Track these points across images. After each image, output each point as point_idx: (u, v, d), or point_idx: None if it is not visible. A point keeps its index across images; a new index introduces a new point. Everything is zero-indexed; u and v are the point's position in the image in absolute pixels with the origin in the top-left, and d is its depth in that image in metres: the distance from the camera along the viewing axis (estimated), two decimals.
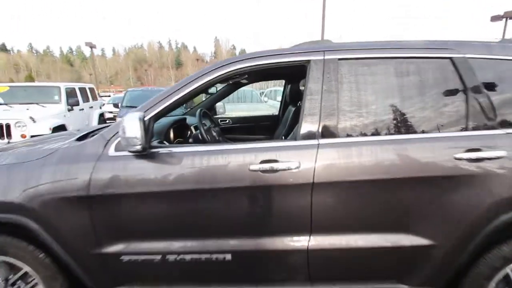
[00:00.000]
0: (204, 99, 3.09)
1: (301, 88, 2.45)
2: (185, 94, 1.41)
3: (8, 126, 4.82)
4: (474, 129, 1.32)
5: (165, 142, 1.63)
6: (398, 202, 1.31)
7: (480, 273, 1.33)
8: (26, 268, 1.39)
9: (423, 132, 1.34)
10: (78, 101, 6.67)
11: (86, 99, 7.43)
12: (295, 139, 1.39)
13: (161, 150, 1.37)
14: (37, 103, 5.82)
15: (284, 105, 3.12)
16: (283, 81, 3.23)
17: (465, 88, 1.34)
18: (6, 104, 5.68)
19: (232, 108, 5.49)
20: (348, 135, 1.36)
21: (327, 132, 1.36)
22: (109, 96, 21.18)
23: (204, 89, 1.47)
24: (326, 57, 1.41)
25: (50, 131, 5.12)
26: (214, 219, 1.37)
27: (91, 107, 7.63)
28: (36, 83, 6.51)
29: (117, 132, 1.37)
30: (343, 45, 1.45)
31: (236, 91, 7.47)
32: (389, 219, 1.33)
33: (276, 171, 1.31)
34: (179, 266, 1.39)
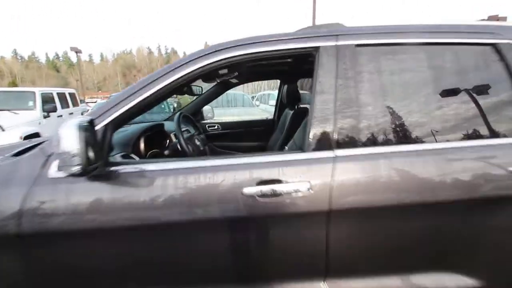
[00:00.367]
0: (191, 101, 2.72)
1: (307, 90, 2.11)
2: (155, 93, 1.05)
3: None
4: None
5: (133, 156, 1.27)
6: (443, 232, 0.98)
7: None
8: None
9: (471, 137, 1.03)
10: (55, 107, 6.19)
11: (65, 105, 6.94)
12: (301, 149, 1.05)
13: (122, 169, 1.01)
14: (8, 110, 5.32)
15: (279, 108, 2.79)
16: (275, 84, 2.90)
17: None
18: None
19: (221, 113, 5.14)
20: (374, 144, 1.02)
21: (345, 140, 1.02)
22: (95, 102, 20.50)
23: (181, 85, 1.12)
24: (340, 42, 1.08)
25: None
26: (195, 263, 1.01)
27: (71, 113, 7.13)
28: (8, 88, 6.00)
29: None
30: (360, 28, 1.13)
31: (225, 95, 7.18)
32: (431, 254, 1.00)
33: (279, 195, 0.96)
34: None
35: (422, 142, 1.03)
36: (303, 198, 0.96)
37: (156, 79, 1.06)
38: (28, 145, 1.35)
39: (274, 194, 0.96)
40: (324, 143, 1.02)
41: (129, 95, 1.05)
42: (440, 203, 0.96)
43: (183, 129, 1.85)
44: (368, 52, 1.07)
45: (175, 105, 7.40)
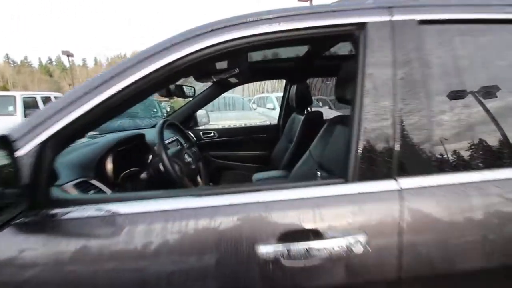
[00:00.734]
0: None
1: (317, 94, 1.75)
2: (121, 92, 0.68)
3: None
4: None
5: (95, 183, 0.90)
6: None
7: None
8: None
9: None
10: None
11: None
12: (345, 178, 0.68)
13: (63, 214, 0.63)
14: None
15: (285, 113, 2.43)
16: (277, 85, 2.54)
17: None
18: None
19: (217, 117, 4.76)
20: (460, 167, 0.67)
21: (413, 163, 0.66)
22: None
23: (160, 83, 0.75)
24: (396, 17, 0.73)
25: None
26: None
27: None
28: None
29: None
30: None
31: (221, 98, 6.81)
32: None
33: (317, 257, 0.60)
34: None
35: None
36: (357, 260, 0.60)
37: (123, 71, 0.69)
38: None
39: (308, 255, 0.60)
40: (380, 167, 0.66)
41: (81, 95, 0.68)
42: None
43: (168, 141, 1.48)
44: (439, 31, 0.72)
45: (168, 108, 7.00)
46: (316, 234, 0.60)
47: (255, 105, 8.77)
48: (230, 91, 2.40)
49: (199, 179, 1.24)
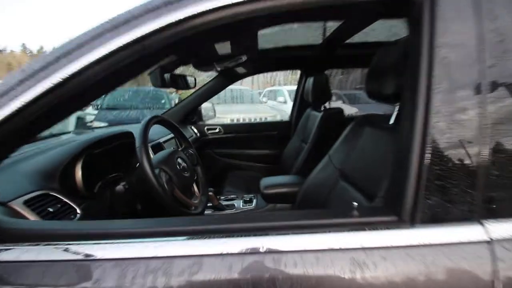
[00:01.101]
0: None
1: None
2: (69, 81, 0.47)
3: None
4: None
5: (56, 195, 0.70)
6: None
7: None
8: None
9: None
10: None
11: None
12: (397, 216, 0.45)
13: None
14: None
15: (298, 108, 2.19)
16: (281, 80, 2.28)
17: None
18: None
19: (224, 110, 4.53)
20: None
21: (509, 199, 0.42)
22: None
23: (133, 69, 0.53)
24: None
25: None
26: None
27: None
28: None
29: None
30: None
31: (228, 90, 6.57)
32: None
33: None
34: None
35: None
36: None
37: (76, 47, 0.47)
38: None
39: None
40: (457, 203, 0.42)
41: (15, 85, 0.47)
42: None
43: (164, 140, 1.28)
44: None
45: (177, 100, 6.83)
46: None
47: (265, 98, 8.48)
48: (238, 83, 2.17)
49: (195, 188, 1.03)
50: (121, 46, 0.46)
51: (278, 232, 0.44)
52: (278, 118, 5.12)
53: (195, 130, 2.10)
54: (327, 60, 1.86)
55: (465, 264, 0.40)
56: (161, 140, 1.34)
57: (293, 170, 1.60)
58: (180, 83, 1.26)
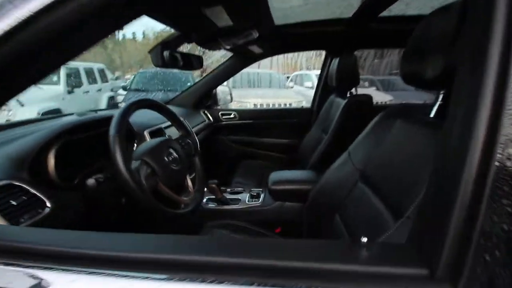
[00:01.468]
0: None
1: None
2: None
3: None
4: None
5: (23, 186, 0.62)
6: None
7: None
8: None
9: None
10: (80, 83, 5.97)
11: (93, 81, 6.72)
12: (428, 269, 0.28)
13: None
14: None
15: (321, 94, 1.96)
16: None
17: None
18: None
19: (246, 94, 4.35)
20: None
21: None
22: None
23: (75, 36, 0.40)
24: None
25: (39, 116, 4.41)
26: None
27: (99, 89, 6.93)
28: None
29: None
30: None
31: (254, 73, 6.34)
32: None
33: None
34: None
35: None
36: None
37: None
38: None
39: None
40: None
41: None
42: None
43: (154, 129, 1.16)
44: None
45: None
46: None
47: (292, 83, 8.13)
48: (266, 66, 1.99)
49: (188, 182, 0.91)
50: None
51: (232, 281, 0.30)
52: (303, 104, 4.85)
53: (208, 115, 1.98)
54: (357, 38, 1.60)
55: None
56: (163, 125, 1.23)
57: (308, 164, 1.43)
58: (182, 62, 1.12)
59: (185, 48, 1.33)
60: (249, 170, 1.74)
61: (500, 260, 0.25)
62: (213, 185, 1.21)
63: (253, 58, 1.78)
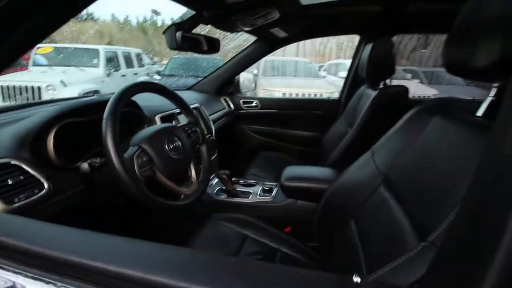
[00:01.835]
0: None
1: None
2: None
3: (39, 89, 4.55)
4: None
5: (21, 166, 0.62)
6: None
7: None
8: None
9: None
10: (118, 66, 6.26)
11: (130, 65, 7.02)
12: None
13: None
14: (76, 66, 5.51)
15: (351, 84, 1.79)
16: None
17: None
18: (48, 66, 5.49)
19: (273, 83, 4.21)
20: None
21: None
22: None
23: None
24: None
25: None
26: None
27: (135, 73, 7.23)
28: (76, 45, 6.27)
29: None
30: None
31: (284, 61, 6.11)
32: None
33: None
34: None
35: None
36: None
37: None
38: None
39: None
40: None
41: None
42: None
43: (164, 114, 1.11)
44: None
45: None
46: None
47: (325, 72, 7.74)
48: (289, 53, 1.87)
49: (192, 172, 0.87)
50: None
51: None
52: (336, 96, 4.61)
53: (229, 102, 1.92)
54: (397, 20, 1.40)
55: None
56: (176, 111, 1.19)
57: (328, 161, 1.31)
58: (195, 45, 1.06)
59: (203, 30, 1.27)
60: (267, 162, 1.66)
61: None
62: (224, 176, 1.16)
63: (278, 43, 1.66)
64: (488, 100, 0.54)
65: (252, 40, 1.67)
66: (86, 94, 4.87)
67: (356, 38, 1.71)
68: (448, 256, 0.30)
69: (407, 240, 0.54)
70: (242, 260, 0.38)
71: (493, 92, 0.53)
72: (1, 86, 4.45)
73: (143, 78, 7.40)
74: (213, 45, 1.15)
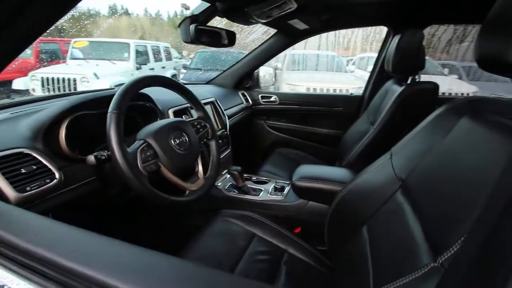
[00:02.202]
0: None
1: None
2: None
3: (75, 80, 4.87)
4: None
5: (34, 155, 0.65)
6: None
7: None
8: None
9: None
10: (147, 60, 6.48)
11: (158, 59, 7.25)
12: None
13: None
14: (108, 60, 5.79)
15: (376, 79, 1.68)
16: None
17: None
18: (83, 59, 5.84)
19: (297, 77, 4.10)
20: None
21: None
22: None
23: None
24: None
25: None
26: None
27: (163, 67, 7.46)
28: (108, 39, 6.58)
29: None
30: None
31: (307, 55, 5.91)
32: None
33: None
34: None
35: None
36: None
37: None
38: None
39: None
40: None
41: None
42: None
43: (177, 108, 1.10)
44: None
45: None
46: None
47: (353, 66, 7.40)
48: (310, 46, 1.79)
49: (199, 168, 0.86)
50: None
51: None
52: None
53: (247, 97, 1.90)
54: (430, 9, 1.27)
55: None
56: (189, 105, 1.19)
57: (344, 161, 1.24)
58: (210, 38, 1.04)
59: (220, 23, 1.24)
60: (282, 159, 1.62)
61: None
62: (235, 172, 1.14)
63: (298, 36, 1.59)
64: None
65: (272, 33, 1.62)
66: (117, 86, 5.12)
67: (384, 30, 1.59)
68: (454, 282, 0.25)
69: (419, 256, 0.48)
70: (237, 280, 0.35)
71: None
72: (42, 78, 4.81)
73: (170, 71, 7.62)
74: (228, 38, 1.13)
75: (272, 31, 1.59)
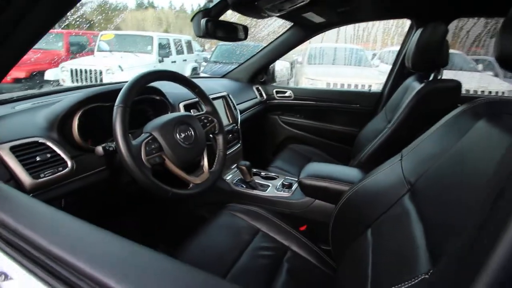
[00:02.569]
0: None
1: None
2: None
3: (100, 72, 5.08)
4: None
5: (48, 144, 0.69)
6: None
7: None
8: None
9: None
10: (169, 53, 6.62)
11: (180, 52, 7.37)
12: None
13: None
14: (132, 52, 5.98)
15: (396, 75, 1.60)
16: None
17: None
18: (109, 51, 6.07)
19: (319, 71, 4.00)
20: None
21: None
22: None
23: None
24: None
25: None
26: None
27: (185, 60, 7.58)
28: (132, 32, 6.76)
29: None
30: None
31: (329, 48, 5.72)
32: None
33: None
34: None
35: None
36: None
37: None
38: None
39: None
40: None
41: None
42: None
43: (187, 102, 1.10)
44: None
45: None
46: None
47: (378, 61, 7.08)
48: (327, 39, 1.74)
49: (204, 161, 0.87)
50: None
51: None
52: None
53: (262, 92, 1.88)
54: (458, 1, 1.18)
55: None
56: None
57: (356, 160, 1.20)
58: (222, 32, 1.03)
59: (233, 17, 1.24)
60: (294, 155, 1.60)
61: None
62: (243, 167, 1.14)
63: (315, 29, 1.55)
64: None
65: (288, 26, 1.59)
66: None
67: (406, 23, 1.50)
68: None
69: (419, 265, 0.46)
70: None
71: None
72: (71, 69, 5.07)
73: (191, 64, 7.73)
74: (241, 32, 1.12)
75: (288, 24, 1.55)
